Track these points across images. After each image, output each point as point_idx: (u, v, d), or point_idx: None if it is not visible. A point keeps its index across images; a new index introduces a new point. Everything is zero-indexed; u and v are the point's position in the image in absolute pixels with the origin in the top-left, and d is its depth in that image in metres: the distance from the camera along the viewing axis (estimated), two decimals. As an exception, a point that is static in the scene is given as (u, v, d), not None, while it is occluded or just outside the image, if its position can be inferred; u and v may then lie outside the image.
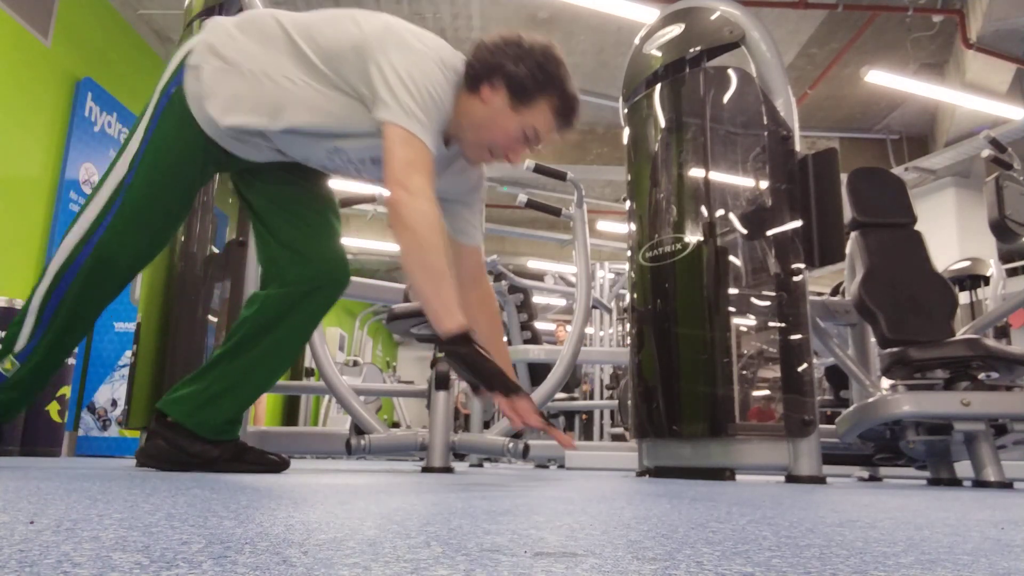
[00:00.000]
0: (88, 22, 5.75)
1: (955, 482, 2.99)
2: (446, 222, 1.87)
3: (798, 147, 2.80)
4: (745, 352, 2.64)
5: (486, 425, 5.48)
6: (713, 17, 2.99)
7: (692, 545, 0.59)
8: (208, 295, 2.63)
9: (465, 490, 1.40)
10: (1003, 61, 6.69)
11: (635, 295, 2.97)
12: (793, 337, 2.60)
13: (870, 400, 2.79)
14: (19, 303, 3.98)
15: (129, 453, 5.13)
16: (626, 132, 3.20)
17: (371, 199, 3.56)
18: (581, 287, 3.43)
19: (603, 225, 10.77)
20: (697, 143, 2.85)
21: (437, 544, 0.55)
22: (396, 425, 9.38)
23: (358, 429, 2.90)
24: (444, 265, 1.54)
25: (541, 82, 1.67)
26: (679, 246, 2.76)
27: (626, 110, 3.23)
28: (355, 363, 9.10)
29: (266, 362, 1.86)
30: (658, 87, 3.03)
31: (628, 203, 3.13)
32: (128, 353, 5.20)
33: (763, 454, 2.55)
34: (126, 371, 3.78)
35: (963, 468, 2.97)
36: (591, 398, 7.65)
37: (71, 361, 4.36)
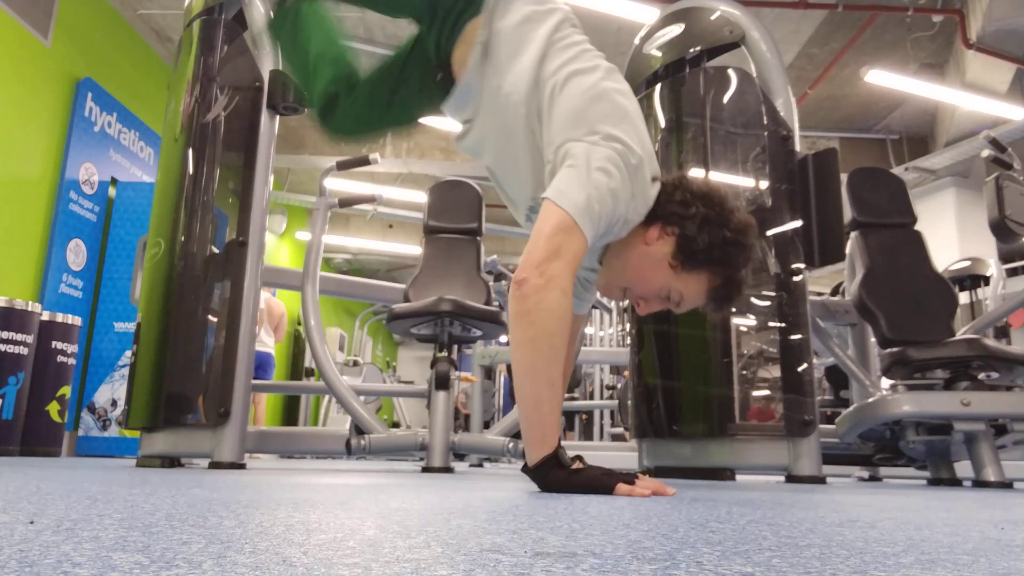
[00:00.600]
0: (88, 22, 5.75)
1: (955, 482, 2.99)
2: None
3: (798, 147, 2.80)
4: (745, 352, 2.64)
5: (486, 425, 5.49)
6: (713, 17, 2.99)
7: (692, 545, 0.59)
8: (208, 295, 2.63)
9: (465, 490, 1.40)
10: (1003, 61, 6.69)
11: (635, 295, 2.97)
12: (793, 337, 2.60)
13: (870, 400, 2.79)
14: (19, 303, 3.98)
15: (129, 453, 5.13)
16: (626, 132, 3.19)
17: (371, 199, 3.55)
18: (581, 287, 3.42)
19: (603, 225, 10.75)
20: (697, 143, 2.85)
21: (437, 544, 0.55)
22: (396, 425, 9.38)
23: (358, 429, 2.90)
24: (559, 376, 1.35)
25: (715, 259, 1.49)
26: (679, 246, 2.76)
27: (626, 110, 3.23)
28: (355, 363, 9.11)
29: None
30: (658, 87, 3.03)
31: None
32: (128, 353, 5.20)
33: (763, 454, 2.55)
34: (126, 371, 3.78)
35: (963, 468, 2.97)
36: (591, 398, 7.66)
37: (71, 361, 4.37)
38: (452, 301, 2.75)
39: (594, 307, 6.70)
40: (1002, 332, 4.82)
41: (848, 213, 3.22)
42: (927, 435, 2.71)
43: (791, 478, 2.50)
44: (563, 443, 1.40)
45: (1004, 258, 4.32)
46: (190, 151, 2.75)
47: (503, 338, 3.75)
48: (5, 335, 3.89)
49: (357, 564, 0.45)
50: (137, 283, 3.05)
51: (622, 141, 1.44)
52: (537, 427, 1.34)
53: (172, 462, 2.64)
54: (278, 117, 2.90)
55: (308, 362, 9.96)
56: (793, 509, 1.08)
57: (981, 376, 2.76)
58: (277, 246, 10.13)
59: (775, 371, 2.59)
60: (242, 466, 2.54)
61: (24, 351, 3.97)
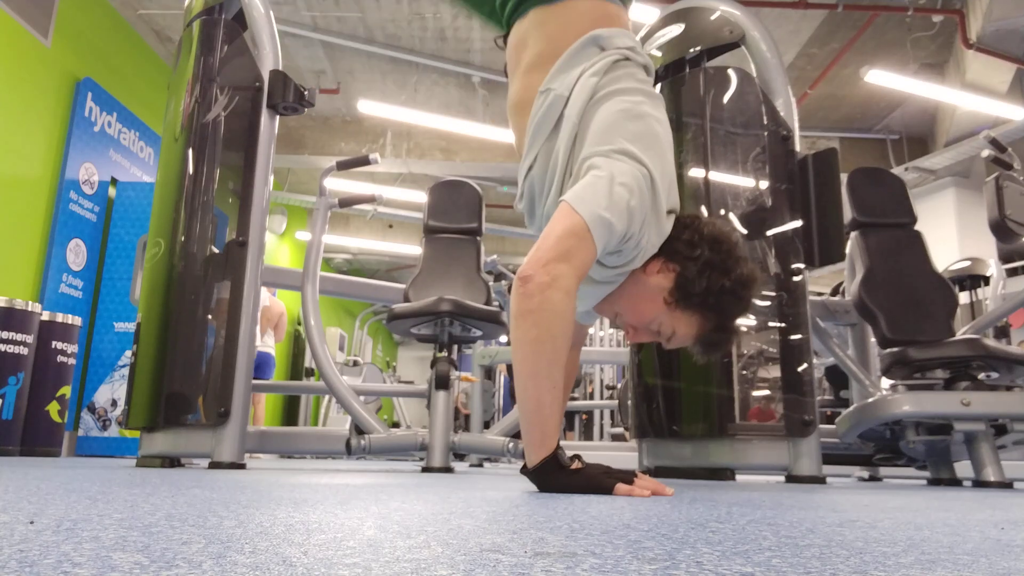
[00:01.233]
0: (88, 22, 5.75)
1: (955, 482, 2.99)
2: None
3: (798, 147, 2.80)
4: (745, 352, 2.64)
5: (486, 425, 5.48)
6: (713, 17, 2.99)
7: (692, 545, 0.59)
8: (208, 295, 2.63)
9: (465, 490, 1.40)
10: (1003, 61, 6.69)
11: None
12: (793, 337, 2.59)
13: (870, 400, 2.79)
14: (19, 303, 3.98)
15: (129, 453, 5.13)
16: (626, 132, 3.19)
17: (371, 199, 3.55)
18: (581, 287, 3.42)
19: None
20: (697, 143, 2.85)
21: (437, 544, 0.55)
22: (396, 425, 9.38)
23: (358, 429, 2.90)
24: (561, 378, 1.33)
25: (710, 305, 1.48)
26: (679, 246, 2.76)
27: (626, 110, 3.23)
28: (355, 363, 9.10)
29: None
30: (658, 87, 3.03)
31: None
32: (128, 353, 5.20)
33: (763, 454, 2.55)
34: (126, 371, 3.78)
35: (963, 468, 2.97)
36: (591, 398, 7.66)
37: (71, 361, 4.37)
38: (452, 301, 2.75)
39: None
40: (1002, 332, 4.82)
41: (848, 213, 3.22)
42: (927, 435, 2.71)
43: (791, 478, 2.50)
44: (563, 443, 1.39)
45: (1004, 258, 4.31)
46: (190, 151, 2.75)
47: (503, 338, 3.75)
48: (5, 335, 3.89)
49: (357, 564, 0.45)
50: (137, 283, 3.05)
51: (647, 166, 1.43)
52: (537, 429, 1.34)
53: (172, 462, 2.64)
54: (278, 117, 2.90)
55: (308, 362, 9.97)
56: (793, 509, 1.08)
57: (981, 376, 2.76)
58: (277, 246, 10.13)
59: (775, 371, 2.59)
60: (242, 466, 2.54)
61: (24, 351, 3.97)
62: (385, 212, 10.66)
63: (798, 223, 2.68)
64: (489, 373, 6.81)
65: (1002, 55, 6.65)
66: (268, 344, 6.67)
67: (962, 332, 3.17)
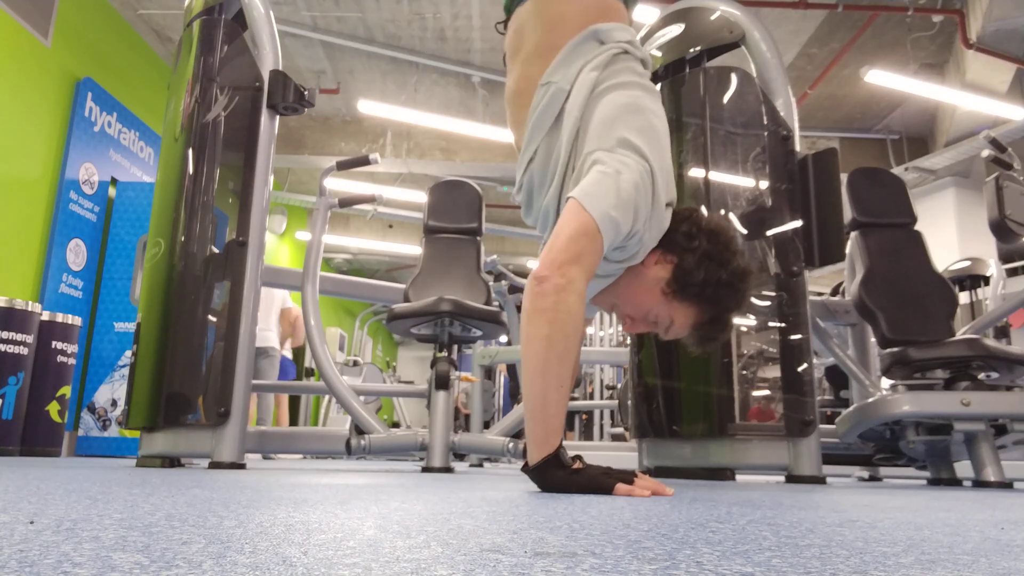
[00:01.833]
0: (88, 22, 5.75)
1: (955, 482, 2.99)
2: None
3: (798, 147, 2.80)
4: (745, 352, 2.64)
5: (486, 425, 5.49)
6: (713, 17, 2.99)
7: (692, 545, 0.59)
8: (208, 295, 2.63)
9: (465, 490, 1.40)
10: (1003, 61, 6.69)
11: (635, 295, 2.97)
12: (793, 337, 2.59)
13: (870, 400, 2.79)
14: (19, 303, 3.98)
15: (129, 453, 5.13)
16: (626, 132, 3.19)
17: (371, 199, 3.55)
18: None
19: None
20: (697, 143, 2.85)
21: (437, 544, 0.55)
22: (396, 425, 9.38)
23: (358, 429, 2.90)
24: (568, 377, 1.35)
25: (707, 296, 1.50)
26: (679, 246, 2.76)
27: (626, 110, 3.22)
28: (355, 363, 9.10)
29: None
30: (658, 87, 3.02)
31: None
32: (128, 353, 5.20)
33: (763, 454, 2.55)
34: (126, 371, 3.78)
35: (963, 468, 2.97)
36: (591, 398, 7.66)
37: (71, 361, 4.37)
38: (452, 301, 2.75)
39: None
40: (1002, 332, 4.82)
41: (848, 213, 3.22)
42: (927, 435, 2.71)
43: (791, 478, 2.50)
44: (563, 443, 1.40)
45: (1004, 258, 4.31)
46: (190, 151, 2.75)
47: (503, 338, 3.75)
48: (5, 335, 3.89)
49: (357, 564, 0.45)
50: (137, 283, 3.04)
51: (647, 158, 1.45)
52: (541, 426, 1.34)
53: (172, 462, 2.64)
54: (278, 117, 2.89)
55: (308, 362, 9.96)
56: (793, 509, 1.08)
57: (981, 376, 2.76)
58: (277, 246, 10.13)
59: (775, 371, 2.59)
60: (242, 466, 2.54)
61: (24, 351, 3.97)
62: (385, 212, 10.66)
63: (798, 223, 2.68)
64: (489, 373, 6.80)
65: (1002, 55, 6.65)
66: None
67: (962, 332, 3.17)
